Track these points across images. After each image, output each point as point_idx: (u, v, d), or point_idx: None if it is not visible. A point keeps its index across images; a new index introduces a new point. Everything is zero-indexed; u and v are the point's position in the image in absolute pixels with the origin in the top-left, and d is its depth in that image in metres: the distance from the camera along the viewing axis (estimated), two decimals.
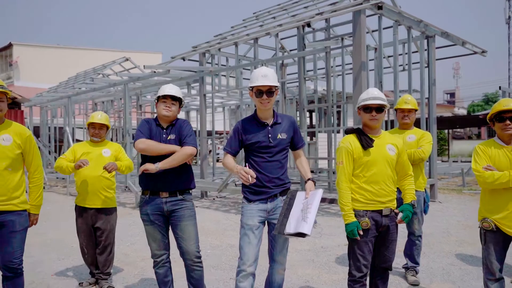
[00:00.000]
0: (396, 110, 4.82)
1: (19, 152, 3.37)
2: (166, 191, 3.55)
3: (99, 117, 4.43)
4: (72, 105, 13.95)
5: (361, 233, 3.22)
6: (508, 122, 3.32)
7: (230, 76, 12.00)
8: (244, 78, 12.28)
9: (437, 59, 11.09)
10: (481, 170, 3.29)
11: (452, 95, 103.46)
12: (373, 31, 11.31)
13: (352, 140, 3.37)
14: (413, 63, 10.60)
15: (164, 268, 3.67)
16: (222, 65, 11.41)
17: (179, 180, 3.60)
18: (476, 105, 54.62)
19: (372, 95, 3.37)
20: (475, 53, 11.11)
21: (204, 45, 10.94)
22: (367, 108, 3.35)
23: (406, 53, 10.71)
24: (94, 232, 4.42)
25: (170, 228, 3.66)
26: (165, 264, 3.68)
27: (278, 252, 3.44)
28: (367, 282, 3.45)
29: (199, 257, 3.62)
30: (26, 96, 16.65)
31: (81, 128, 18.64)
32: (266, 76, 3.33)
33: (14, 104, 14.50)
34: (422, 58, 10.55)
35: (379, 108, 3.34)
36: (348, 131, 3.49)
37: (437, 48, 11.08)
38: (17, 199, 3.33)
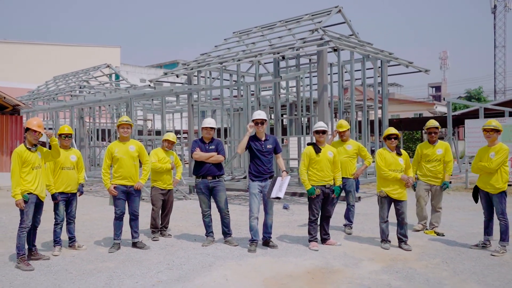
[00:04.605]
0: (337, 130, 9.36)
1: (137, 154, 7.70)
2: (210, 176, 7.94)
3: (172, 136, 8.83)
4: (78, 111, 18.08)
5: (318, 192, 7.66)
6: (392, 140, 7.86)
7: (213, 87, 16.36)
8: (224, 87, 16.67)
9: (389, 75, 15.88)
10: (381, 166, 7.75)
11: (438, 88, 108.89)
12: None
13: (310, 149, 7.85)
14: (368, 78, 15.37)
15: (208, 218, 8.10)
16: (207, 77, 15.80)
17: (217, 170, 7.99)
18: (457, 103, 60.14)
19: (320, 125, 7.89)
20: (420, 71, 15.90)
21: (193, 64, 15.30)
22: (317, 132, 7.84)
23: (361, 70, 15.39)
24: (163, 202, 8.77)
25: (211, 196, 8.03)
26: (209, 216, 8.09)
27: (269, 208, 7.88)
28: (318, 224, 7.94)
29: (228, 211, 8.07)
30: None
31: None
32: (260, 114, 7.82)
33: (14, 111, 18.34)
34: (376, 74, 15.25)
35: (323, 131, 7.83)
36: (308, 144, 8.00)
37: (389, 66, 15.85)
38: (136, 179, 7.67)
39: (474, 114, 27.20)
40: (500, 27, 66.05)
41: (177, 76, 15.20)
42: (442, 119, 31.87)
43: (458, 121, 29.04)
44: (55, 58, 43.64)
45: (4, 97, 16.87)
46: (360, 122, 16.71)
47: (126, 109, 17.02)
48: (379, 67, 15.38)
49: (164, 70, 62.27)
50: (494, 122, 7.51)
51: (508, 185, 15.40)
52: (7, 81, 37.52)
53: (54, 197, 7.46)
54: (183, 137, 23.96)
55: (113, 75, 29.22)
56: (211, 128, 8.08)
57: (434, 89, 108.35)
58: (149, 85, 14.72)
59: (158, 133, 22.90)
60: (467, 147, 16.37)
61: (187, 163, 18.50)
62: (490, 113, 23.93)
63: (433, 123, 9.07)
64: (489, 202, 7.50)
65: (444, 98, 19.25)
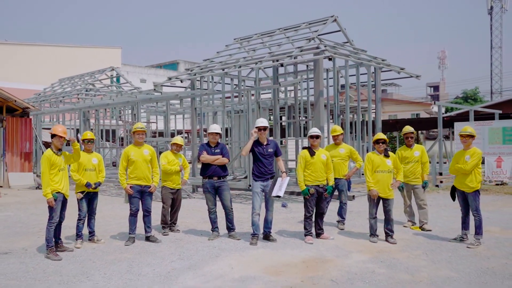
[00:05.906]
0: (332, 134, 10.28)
1: (150, 158, 8.62)
2: (216, 176, 8.86)
3: (179, 139, 9.74)
4: (85, 113, 19.04)
5: (312, 191, 8.58)
6: (380, 144, 8.78)
7: (216, 92, 17.32)
8: (225, 92, 17.62)
9: (382, 80, 16.81)
10: (368, 171, 8.68)
11: (436, 88, 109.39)
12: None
13: (305, 152, 8.77)
14: (362, 82, 16.29)
15: (214, 214, 9.02)
16: (210, 81, 16.76)
17: (222, 171, 8.92)
18: (454, 102, 60.75)
19: (313, 130, 8.82)
20: (411, 76, 16.84)
21: (196, 69, 16.23)
22: (311, 137, 8.76)
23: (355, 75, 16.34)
24: (172, 200, 9.68)
25: (217, 194, 8.94)
26: (215, 213, 9.00)
27: (270, 205, 8.80)
28: (313, 220, 8.86)
29: (232, 209, 8.98)
30: None
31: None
32: (262, 122, 8.75)
33: (24, 113, 19.23)
34: (369, 79, 16.17)
35: (317, 136, 8.75)
36: (303, 148, 8.92)
37: (383, 71, 16.78)
38: (149, 179, 8.59)
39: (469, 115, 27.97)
40: (496, 28, 66.32)
41: (181, 81, 16.18)
42: (430, 120, 32.65)
43: (448, 123, 29.80)
44: (56, 59, 44.51)
45: (15, 101, 17.74)
46: (355, 123, 17.69)
47: (131, 112, 17.97)
48: (373, 73, 16.30)
49: (164, 70, 63.27)
50: (469, 129, 8.45)
51: (496, 184, 16.63)
52: (8, 81, 38.34)
53: (88, 184, 8.39)
54: (184, 137, 24.88)
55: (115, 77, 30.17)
56: (217, 133, 9.02)
57: (432, 88, 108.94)
58: (154, 89, 15.65)
59: (160, 134, 23.81)
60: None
61: (190, 162, 19.45)
62: (483, 115, 24.80)
63: (408, 129, 10.08)
64: (465, 200, 8.43)
65: (434, 102, 20.30)
